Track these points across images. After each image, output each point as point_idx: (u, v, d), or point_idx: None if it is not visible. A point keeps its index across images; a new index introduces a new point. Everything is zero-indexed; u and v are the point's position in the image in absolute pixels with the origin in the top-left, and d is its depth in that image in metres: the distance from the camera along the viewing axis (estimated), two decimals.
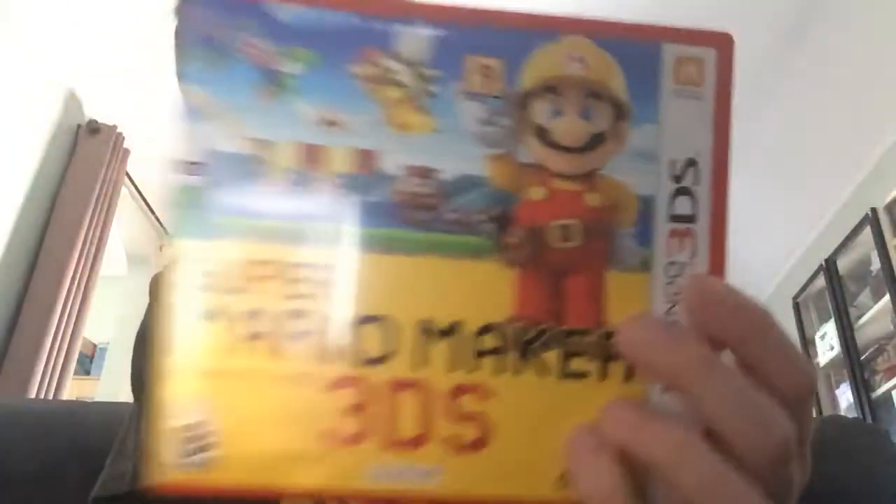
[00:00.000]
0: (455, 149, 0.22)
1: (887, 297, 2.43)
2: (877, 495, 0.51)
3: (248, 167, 0.21)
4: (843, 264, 2.79)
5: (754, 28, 2.13)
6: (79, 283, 2.54)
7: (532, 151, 0.23)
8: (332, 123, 0.21)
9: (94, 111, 2.70)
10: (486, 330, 0.22)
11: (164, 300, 0.21)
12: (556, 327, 0.22)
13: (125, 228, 3.14)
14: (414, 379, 0.22)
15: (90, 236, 2.58)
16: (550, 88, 0.23)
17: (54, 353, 2.42)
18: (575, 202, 0.23)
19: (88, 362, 3.89)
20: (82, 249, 2.53)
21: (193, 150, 0.21)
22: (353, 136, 0.22)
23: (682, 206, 0.23)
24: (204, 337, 0.21)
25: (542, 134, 0.23)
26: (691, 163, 0.23)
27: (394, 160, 0.22)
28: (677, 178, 0.23)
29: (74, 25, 2.40)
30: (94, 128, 2.66)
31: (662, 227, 0.23)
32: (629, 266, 0.23)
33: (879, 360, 2.58)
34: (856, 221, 2.60)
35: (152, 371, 0.21)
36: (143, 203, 3.11)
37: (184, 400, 0.21)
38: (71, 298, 2.50)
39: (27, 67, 2.37)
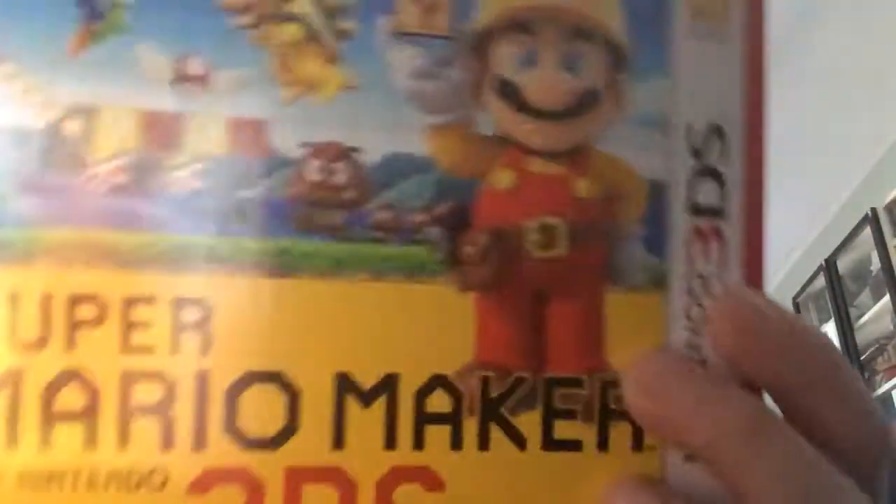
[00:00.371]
0: (382, 116, 0.15)
1: (887, 297, 2.43)
2: (877, 495, 0.46)
3: (57, 149, 0.14)
4: (843, 264, 2.77)
5: None
6: None
7: (495, 118, 0.16)
8: (191, 79, 0.14)
9: None
10: (433, 386, 0.15)
11: None
12: (535, 377, 0.15)
13: None
14: (326, 466, 0.15)
15: None
16: (519, 25, 0.16)
17: None
18: (558, 192, 0.16)
19: None
20: None
21: None
22: (226, 98, 0.14)
23: (708, 193, 0.16)
24: None
25: (509, 92, 0.16)
26: (717, 131, 0.16)
27: (291, 135, 0.15)
28: (699, 154, 0.16)
29: None
30: None
31: (681, 224, 0.16)
32: (636, 283, 0.16)
33: (879, 360, 2.58)
34: (856, 221, 2.60)
35: None
36: None
37: None
38: None
39: None
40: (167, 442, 0.14)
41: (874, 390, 2.56)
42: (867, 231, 2.51)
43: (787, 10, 2.11)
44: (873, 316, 2.54)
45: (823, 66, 2.24)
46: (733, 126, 0.17)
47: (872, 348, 2.61)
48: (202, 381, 0.14)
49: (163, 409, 0.14)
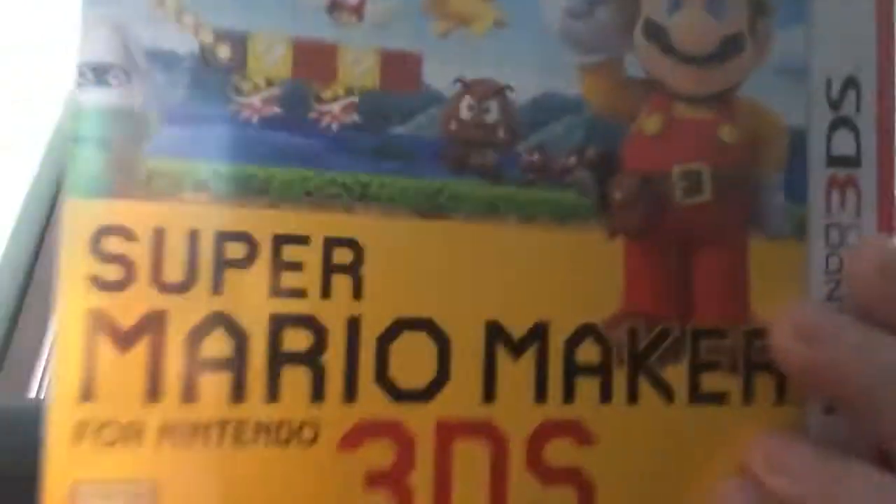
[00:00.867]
0: (534, 54, 0.14)
1: None
2: None
3: (205, 76, 0.13)
4: None
5: None
6: None
7: (644, 60, 0.15)
8: (345, 7, 0.14)
9: None
10: (582, 335, 0.15)
11: (58, 304, 0.12)
12: (682, 327, 0.15)
13: None
14: (476, 419, 0.14)
15: None
16: None
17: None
18: (704, 137, 0.15)
19: None
20: None
21: (107, 44, 0.13)
22: (379, 29, 0.14)
23: (843, 143, 0.16)
24: (123, 367, 0.12)
25: (657, 35, 0.15)
26: (853, 80, 0.16)
27: (443, 70, 0.14)
28: (835, 104, 0.16)
29: None
30: None
31: (819, 173, 0.16)
32: (778, 231, 0.16)
33: None
34: None
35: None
36: None
37: (80, 485, 0.12)
38: None
39: None
40: (318, 393, 0.13)
41: None
42: None
43: None
44: None
45: None
46: (867, 76, 0.16)
47: None
48: (354, 327, 0.13)
49: (313, 358, 0.13)
